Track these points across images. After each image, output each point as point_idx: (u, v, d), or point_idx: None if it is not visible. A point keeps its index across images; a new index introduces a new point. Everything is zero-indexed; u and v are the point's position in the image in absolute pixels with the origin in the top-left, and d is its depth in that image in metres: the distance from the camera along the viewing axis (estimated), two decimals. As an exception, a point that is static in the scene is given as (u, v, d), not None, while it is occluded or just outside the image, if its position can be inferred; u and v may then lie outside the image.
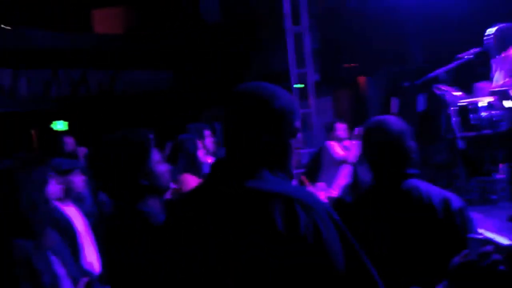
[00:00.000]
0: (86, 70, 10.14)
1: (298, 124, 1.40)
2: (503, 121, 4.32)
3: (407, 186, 1.93)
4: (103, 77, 10.45)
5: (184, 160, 3.69)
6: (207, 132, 4.50)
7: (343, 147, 5.50)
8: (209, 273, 1.26)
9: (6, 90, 9.43)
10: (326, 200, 3.71)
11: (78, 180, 3.39)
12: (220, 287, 1.25)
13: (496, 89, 4.64)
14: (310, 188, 4.72)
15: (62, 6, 10.55)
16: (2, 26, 9.12)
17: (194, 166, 3.67)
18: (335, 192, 3.78)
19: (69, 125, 10.80)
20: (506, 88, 4.49)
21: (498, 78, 4.78)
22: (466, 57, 4.91)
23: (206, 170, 3.18)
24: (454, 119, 4.70)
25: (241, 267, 1.23)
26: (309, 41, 7.12)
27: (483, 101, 4.60)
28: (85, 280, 2.11)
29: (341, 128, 5.62)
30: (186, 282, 1.30)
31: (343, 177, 5.32)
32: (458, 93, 4.84)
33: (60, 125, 10.85)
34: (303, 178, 4.30)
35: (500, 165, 4.57)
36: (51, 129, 10.67)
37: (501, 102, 4.42)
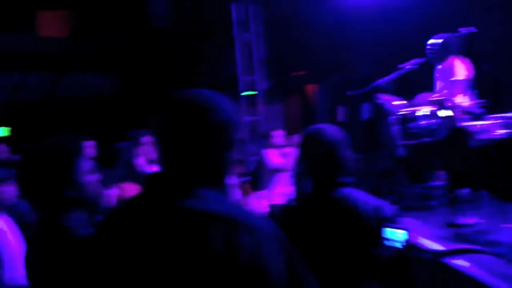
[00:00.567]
0: (27, 73, 9.75)
1: (239, 135, 1.33)
2: (441, 129, 4.46)
3: (340, 194, 1.94)
4: (44, 81, 10.07)
5: (122, 168, 3.58)
6: (147, 139, 4.37)
7: (282, 154, 5.48)
8: None
9: None
10: (268, 208, 3.71)
11: (11, 190, 3.23)
12: None
13: (434, 99, 4.80)
14: (253, 195, 4.73)
15: (6, 7, 10.12)
16: None
17: (133, 174, 3.57)
18: (277, 200, 3.78)
19: (11, 131, 10.35)
20: (443, 97, 4.66)
21: (438, 88, 4.96)
22: (408, 67, 5.06)
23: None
24: (394, 127, 4.83)
25: None
26: (258, 49, 7.16)
27: (422, 110, 4.74)
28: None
29: (278, 135, 5.59)
30: None
31: (282, 185, 5.30)
32: (399, 102, 4.97)
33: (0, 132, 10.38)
34: (247, 186, 4.30)
35: (439, 172, 4.71)
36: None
37: (438, 111, 4.58)
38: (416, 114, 4.77)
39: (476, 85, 4.76)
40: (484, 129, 3.43)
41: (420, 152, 4.81)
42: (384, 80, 5.10)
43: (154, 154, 4.52)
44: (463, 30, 4.78)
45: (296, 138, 5.16)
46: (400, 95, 5.09)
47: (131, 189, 3.45)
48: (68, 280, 1.50)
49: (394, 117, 4.88)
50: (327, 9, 7.93)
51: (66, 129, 2.88)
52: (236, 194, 3.96)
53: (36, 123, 9.23)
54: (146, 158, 4.04)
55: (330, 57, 8.30)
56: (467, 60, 4.79)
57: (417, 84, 5.22)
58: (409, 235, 1.90)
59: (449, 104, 4.57)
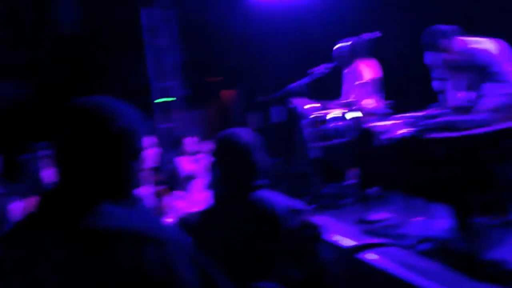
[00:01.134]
0: None
1: (142, 144, 1.26)
2: (350, 131, 4.67)
3: (257, 197, 1.96)
4: None
5: (28, 182, 3.39)
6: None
7: (194, 161, 5.46)
8: None
9: None
10: (187, 209, 3.67)
11: None
12: None
13: (343, 102, 5.03)
14: (168, 198, 4.65)
15: None
16: None
17: (39, 188, 3.38)
18: (192, 207, 3.75)
19: None
20: (351, 100, 4.89)
21: (347, 91, 5.19)
22: (318, 71, 5.25)
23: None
24: (307, 130, 4.98)
25: None
26: (173, 55, 7.08)
27: (333, 113, 4.94)
28: None
29: (189, 142, 5.57)
30: None
31: (196, 191, 5.28)
32: (311, 106, 5.14)
33: None
34: (161, 190, 4.22)
35: (351, 172, 4.93)
36: None
37: (346, 113, 4.80)
38: (327, 117, 4.96)
39: (383, 87, 5.04)
40: (389, 129, 3.64)
41: (332, 153, 5.00)
42: (295, 84, 5.25)
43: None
44: (369, 34, 5.04)
45: (209, 144, 5.18)
46: (312, 98, 5.27)
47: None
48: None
49: (307, 120, 5.03)
50: (240, 14, 8.03)
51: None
52: (151, 202, 3.89)
53: None
54: (53, 171, 3.83)
55: (244, 62, 8.40)
56: (374, 62, 5.06)
57: (327, 88, 5.42)
58: (324, 232, 1.96)
59: (357, 106, 4.80)
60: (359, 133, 4.10)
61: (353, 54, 5.05)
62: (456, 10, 6.67)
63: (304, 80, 5.27)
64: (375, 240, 1.99)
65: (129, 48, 7.83)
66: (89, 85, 8.57)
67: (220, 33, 8.35)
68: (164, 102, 7.04)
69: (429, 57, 3.88)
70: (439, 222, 3.95)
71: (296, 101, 5.13)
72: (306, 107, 5.07)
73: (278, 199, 1.98)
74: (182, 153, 5.47)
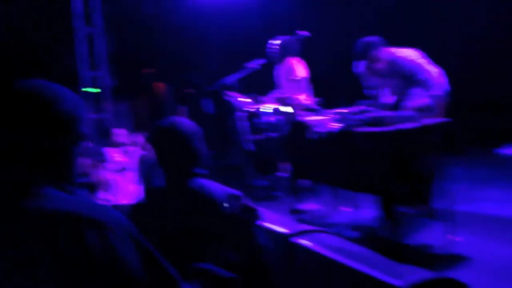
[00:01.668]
0: None
1: (83, 130, 1.26)
2: (283, 124, 4.80)
3: (194, 185, 1.99)
4: None
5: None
6: None
7: (124, 152, 5.35)
8: None
9: None
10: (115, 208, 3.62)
11: None
12: None
13: (275, 96, 5.15)
14: (102, 194, 4.55)
15: None
16: None
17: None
18: (123, 199, 3.71)
19: None
20: (284, 95, 5.02)
21: (279, 86, 5.32)
22: (252, 66, 5.33)
23: None
24: (240, 123, 5.06)
25: None
26: (103, 44, 6.87)
27: (267, 107, 5.05)
28: None
29: (119, 134, 5.44)
30: None
31: (127, 182, 5.17)
32: (245, 100, 5.22)
33: None
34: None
35: (283, 164, 5.06)
36: None
37: (281, 107, 4.93)
38: (261, 110, 5.06)
39: (312, 84, 5.21)
40: (320, 123, 3.78)
41: (266, 146, 5.11)
42: (230, 78, 5.31)
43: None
44: (300, 33, 5.19)
45: (139, 137, 5.11)
46: (245, 92, 5.35)
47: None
48: None
49: (241, 113, 5.10)
50: (177, 8, 7.95)
51: None
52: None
53: None
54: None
55: (179, 55, 8.33)
56: (303, 61, 5.23)
57: (261, 82, 5.53)
58: (260, 217, 2.03)
59: (290, 101, 4.94)
60: (291, 127, 4.23)
61: (284, 51, 5.19)
62: (379, 20, 7.07)
63: (238, 74, 5.33)
64: (309, 227, 2.10)
65: (59, 34, 7.51)
66: (16, 71, 8.13)
67: (155, 24, 8.22)
68: (95, 93, 6.82)
69: (360, 66, 4.08)
70: (365, 212, 4.19)
71: (230, 94, 5.18)
72: (240, 100, 5.14)
73: (216, 186, 2.03)
74: (111, 144, 5.33)
